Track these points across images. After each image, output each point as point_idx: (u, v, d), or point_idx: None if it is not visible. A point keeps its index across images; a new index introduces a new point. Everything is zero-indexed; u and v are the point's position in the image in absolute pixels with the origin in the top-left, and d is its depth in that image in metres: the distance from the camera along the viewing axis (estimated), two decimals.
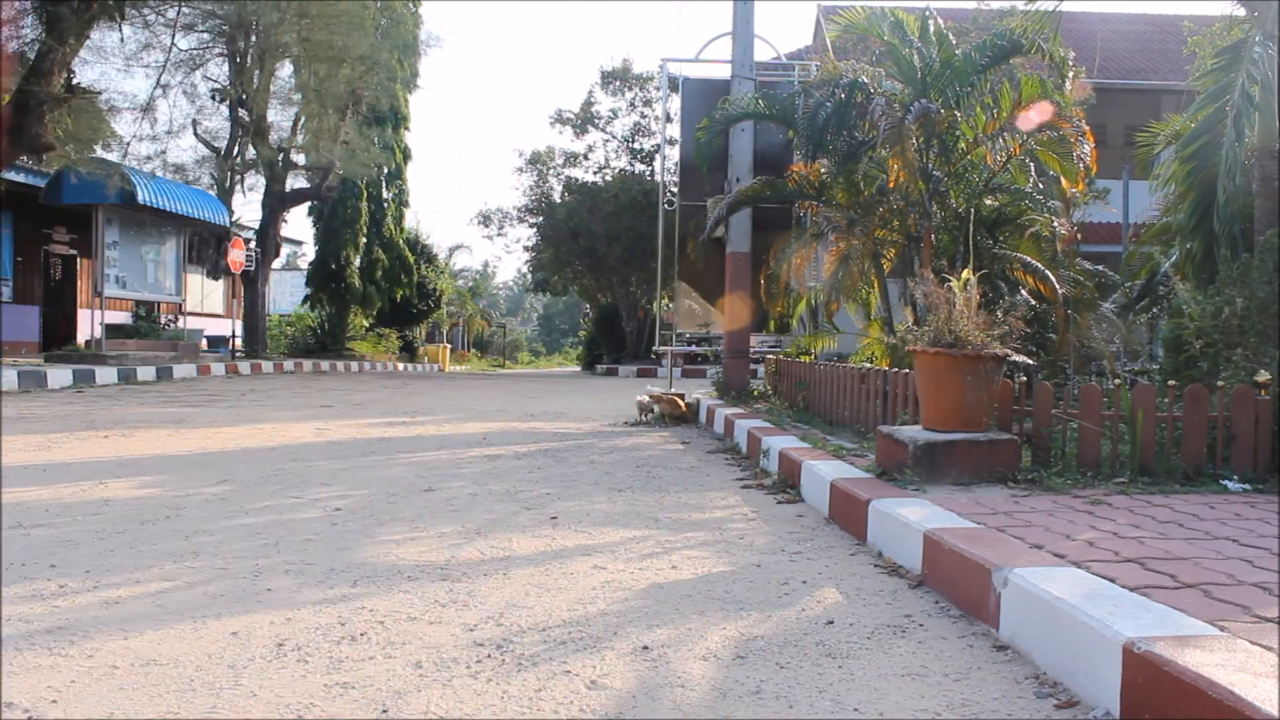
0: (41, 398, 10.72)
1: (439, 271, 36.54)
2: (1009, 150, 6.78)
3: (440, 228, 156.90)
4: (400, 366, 29.47)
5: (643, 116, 30.45)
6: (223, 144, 21.51)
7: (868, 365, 6.97)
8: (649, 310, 27.95)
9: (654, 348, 13.73)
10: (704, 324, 11.20)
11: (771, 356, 9.53)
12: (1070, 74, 6.72)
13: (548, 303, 73.64)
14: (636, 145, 30.66)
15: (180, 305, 20.58)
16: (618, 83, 30.21)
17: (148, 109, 17.41)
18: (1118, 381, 4.79)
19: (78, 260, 19.97)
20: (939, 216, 6.84)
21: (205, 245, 20.66)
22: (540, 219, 30.44)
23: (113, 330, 17.71)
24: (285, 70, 20.82)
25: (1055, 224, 6.88)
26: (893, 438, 4.21)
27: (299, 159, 23.09)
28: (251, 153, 21.76)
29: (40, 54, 12.78)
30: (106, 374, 13.69)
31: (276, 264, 25.41)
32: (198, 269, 21.38)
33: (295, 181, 23.89)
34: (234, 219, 21.91)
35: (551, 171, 31.58)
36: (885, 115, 6.29)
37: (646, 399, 8.82)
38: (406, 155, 30.86)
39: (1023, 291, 6.49)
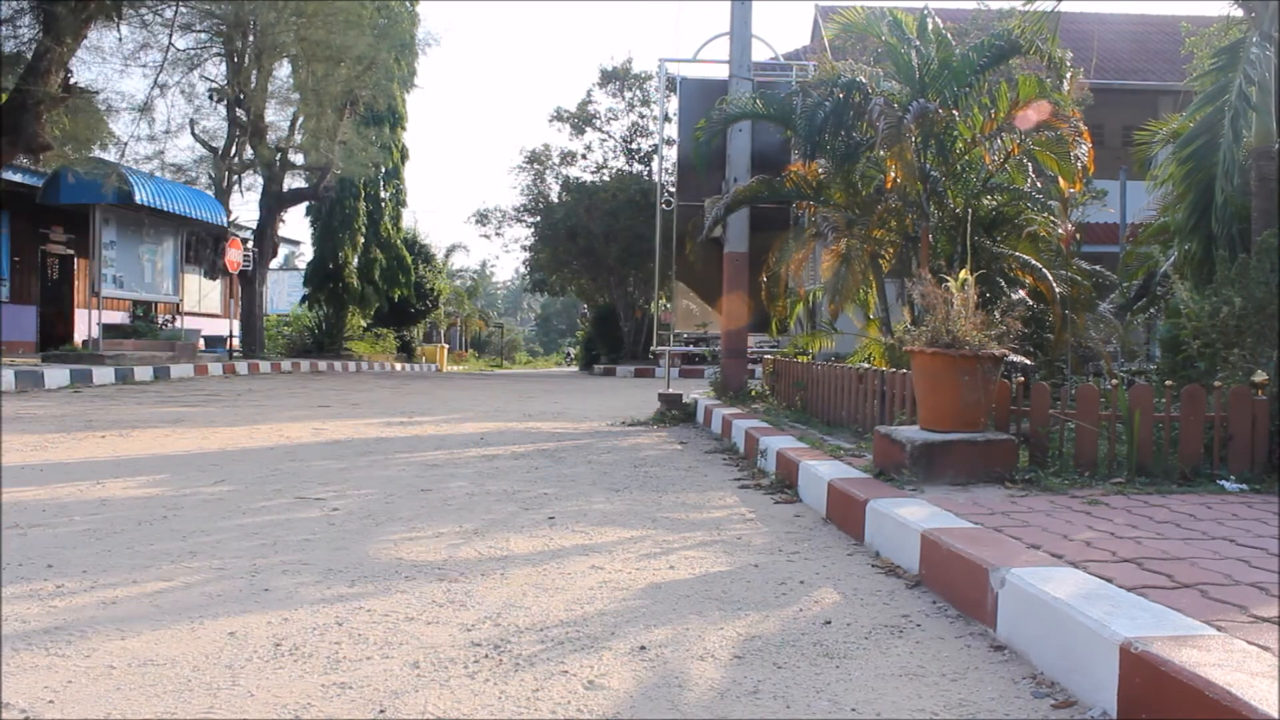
0: (39, 398, 10.71)
1: (437, 271, 36.54)
2: (1007, 150, 6.78)
3: (438, 227, 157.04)
4: (398, 366, 29.47)
5: (641, 117, 30.47)
6: (220, 144, 21.51)
7: (865, 365, 6.97)
8: (647, 310, 27.95)
9: (652, 348, 13.71)
10: (702, 324, 11.19)
11: (769, 357, 9.53)
12: (1068, 74, 6.72)
13: (545, 302, 73.62)
14: (634, 145, 30.68)
15: (178, 305, 20.57)
16: (616, 83, 30.23)
17: (145, 109, 17.43)
18: (1115, 382, 4.79)
19: (75, 260, 19.95)
20: (937, 216, 6.85)
21: (203, 245, 20.66)
22: (538, 218, 30.43)
23: (110, 330, 17.70)
24: (283, 70, 20.81)
25: (1054, 224, 6.89)
26: (890, 438, 4.21)
27: (297, 159, 23.08)
28: (249, 152, 21.75)
29: (37, 53, 12.77)
30: (104, 374, 13.67)
31: (274, 264, 25.39)
32: (195, 269, 21.39)
33: (293, 181, 23.87)
34: (231, 219, 21.90)
35: (549, 170, 31.58)
36: (883, 115, 6.28)
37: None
38: (404, 155, 30.86)
39: (1020, 291, 6.49)
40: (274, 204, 22.91)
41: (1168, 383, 4.38)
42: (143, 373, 14.62)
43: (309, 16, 16.95)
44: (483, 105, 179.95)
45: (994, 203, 7.13)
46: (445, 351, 39.17)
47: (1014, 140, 6.69)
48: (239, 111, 20.56)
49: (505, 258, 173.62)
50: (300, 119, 21.67)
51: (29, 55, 13.10)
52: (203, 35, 18.64)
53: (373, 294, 29.30)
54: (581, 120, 30.74)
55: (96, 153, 16.71)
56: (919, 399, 4.29)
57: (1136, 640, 1.85)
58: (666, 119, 14.49)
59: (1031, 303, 6.43)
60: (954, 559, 2.73)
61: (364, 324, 30.51)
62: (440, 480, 5.03)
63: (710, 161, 9.16)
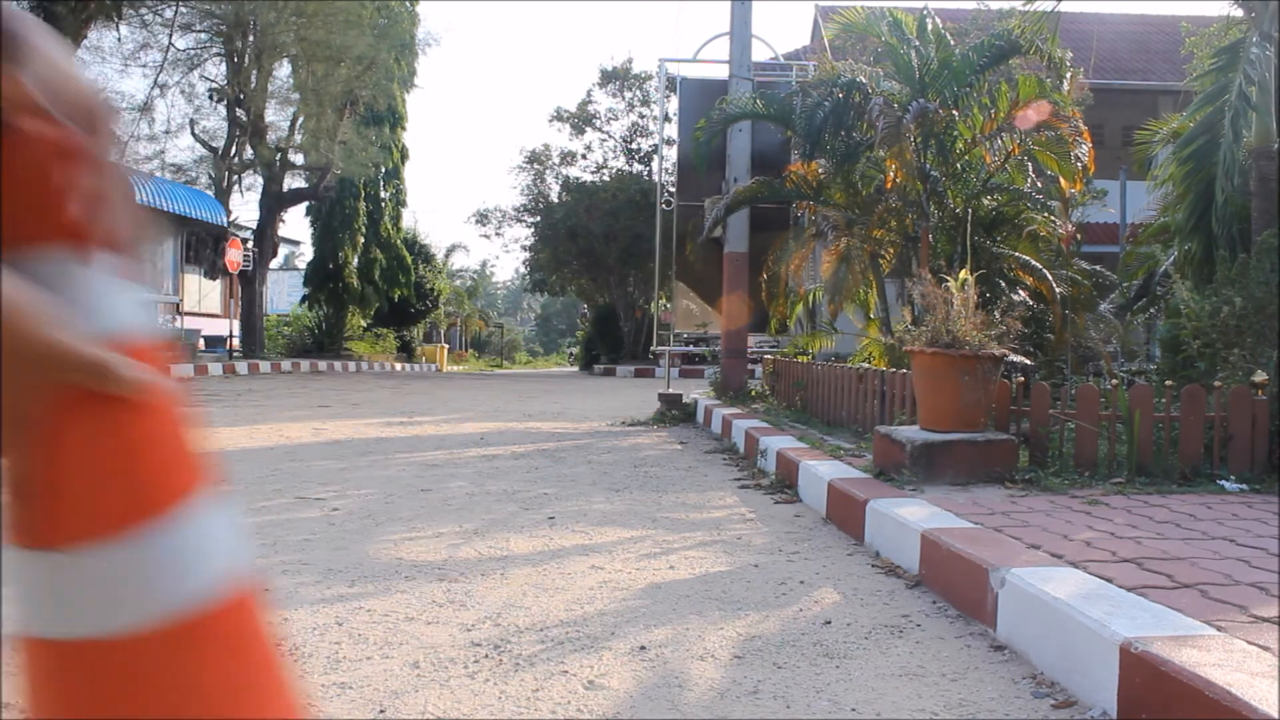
0: None
1: (437, 271, 36.56)
2: (1007, 150, 6.79)
3: (438, 227, 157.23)
4: (398, 366, 29.48)
5: (641, 117, 30.52)
6: (220, 144, 21.52)
7: (865, 365, 6.97)
8: (646, 310, 27.96)
9: (652, 348, 13.73)
10: (702, 324, 11.21)
11: (769, 357, 9.53)
12: (1068, 74, 6.72)
13: (546, 302, 73.67)
14: (634, 145, 30.73)
15: (178, 305, 20.59)
16: (616, 83, 30.27)
17: (145, 109, 17.46)
18: (1115, 382, 4.79)
19: None
20: (937, 216, 6.85)
21: (203, 245, 20.69)
22: (538, 218, 30.47)
23: None
24: (283, 70, 20.84)
25: (1054, 224, 6.89)
26: (890, 438, 4.21)
27: (297, 159, 23.09)
28: (249, 152, 21.76)
29: None
30: None
31: (274, 264, 25.39)
32: (195, 269, 21.42)
33: (293, 181, 23.88)
34: (231, 219, 21.93)
35: (549, 170, 31.62)
36: (883, 115, 6.29)
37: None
38: (404, 155, 30.89)
39: (1020, 291, 6.50)
40: (274, 204, 22.91)
41: (1168, 383, 4.38)
42: None
43: (309, 16, 16.97)
44: (483, 105, 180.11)
45: (994, 203, 7.14)
46: (445, 351, 39.18)
47: (1014, 140, 6.69)
48: (239, 111, 20.56)
49: (505, 258, 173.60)
50: (300, 119, 21.68)
51: None
52: (203, 35, 18.67)
53: (373, 294, 29.33)
54: (581, 120, 30.78)
55: None
56: (919, 399, 4.29)
57: (1136, 640, 1.85)
58: (666, 119, 14.50)
59: (1031, 303, 6.44)
60: (954, 559, 2.73)
61: (364, 324, 30.53)
62: (440, 480, 5.03)
63: (710, 161, 9.17)
